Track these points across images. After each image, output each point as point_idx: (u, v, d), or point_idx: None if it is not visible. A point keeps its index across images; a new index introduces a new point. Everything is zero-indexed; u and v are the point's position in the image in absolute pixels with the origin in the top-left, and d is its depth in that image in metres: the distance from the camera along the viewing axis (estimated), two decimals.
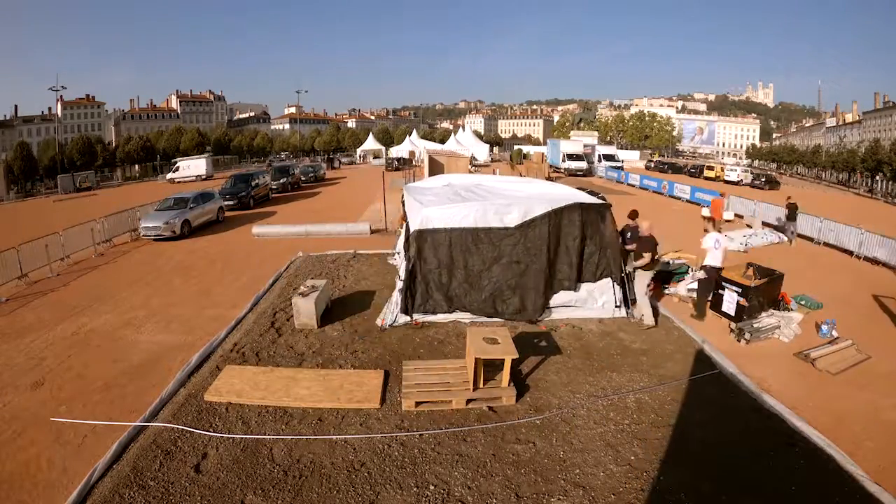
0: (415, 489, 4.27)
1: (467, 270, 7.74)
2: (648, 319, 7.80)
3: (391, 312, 7.85)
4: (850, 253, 13.74)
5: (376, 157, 57.43)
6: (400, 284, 7.92)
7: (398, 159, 45.75)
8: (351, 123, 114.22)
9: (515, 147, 67.91)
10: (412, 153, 44.99)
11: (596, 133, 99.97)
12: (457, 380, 5.75)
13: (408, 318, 7.74)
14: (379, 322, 7.79)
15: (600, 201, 8.38)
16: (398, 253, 10.54)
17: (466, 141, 53.27)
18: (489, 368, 5.82)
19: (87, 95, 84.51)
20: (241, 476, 4.44)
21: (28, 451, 4.92)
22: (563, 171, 38.58)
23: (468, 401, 5.51)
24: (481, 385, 5.65)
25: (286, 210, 21.36)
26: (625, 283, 8.23)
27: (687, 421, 5.27)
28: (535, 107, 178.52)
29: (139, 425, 5.18)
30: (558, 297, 7.99)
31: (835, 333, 7.62)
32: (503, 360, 5.52)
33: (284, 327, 7.81)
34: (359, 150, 64.63)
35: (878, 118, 69.49)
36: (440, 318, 7.81)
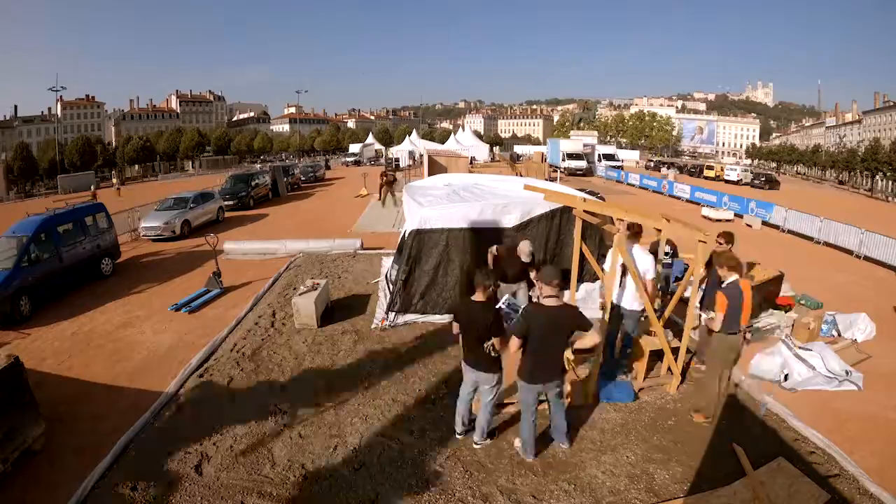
0: None
1: (463, 271, 7.72)
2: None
3: (388, 311, 7.83)
4: (850, 252, 13.78)
5: (379, 156, 56.25)
6: (383, 283, 7.84)
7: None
8: (351, 123, 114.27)
9: (515, 148, 68.15)
10: (412, 153, 44.95)
11: (596, 133, 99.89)
12: None
13: (407, 318, 7.74)
14: (379, 322, 7.79)
15: (600, 201, 8.37)
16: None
17: (466, 141, 53.07)
18: None
19: (87, 95, 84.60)
20: None
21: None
22: (562, 170, 38.56)
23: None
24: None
25: (281, 213, 21.40)
26: None
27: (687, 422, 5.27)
28: (534, 107, 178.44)
29: (140, 424, 5.19)
30: None
31: (835, 333, 7.62)
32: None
33: (284, 327, 7.82)
34: (357, 147, 59.16)
35: (878, 117, 69.51)
36: (436, 318, 7.79)
